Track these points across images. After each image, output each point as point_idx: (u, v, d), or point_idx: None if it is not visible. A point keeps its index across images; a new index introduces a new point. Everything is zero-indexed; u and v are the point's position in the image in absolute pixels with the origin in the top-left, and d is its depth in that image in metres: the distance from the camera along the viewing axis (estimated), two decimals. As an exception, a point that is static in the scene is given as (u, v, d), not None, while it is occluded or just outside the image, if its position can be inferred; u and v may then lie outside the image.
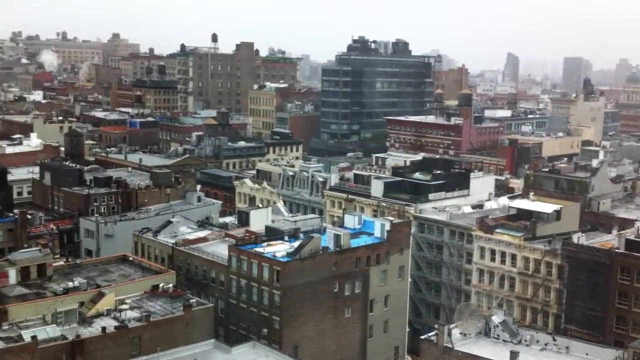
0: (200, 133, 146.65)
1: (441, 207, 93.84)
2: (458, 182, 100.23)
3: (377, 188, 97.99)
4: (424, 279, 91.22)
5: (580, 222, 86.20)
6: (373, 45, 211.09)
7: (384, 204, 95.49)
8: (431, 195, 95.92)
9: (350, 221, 77.56)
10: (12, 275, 63.15)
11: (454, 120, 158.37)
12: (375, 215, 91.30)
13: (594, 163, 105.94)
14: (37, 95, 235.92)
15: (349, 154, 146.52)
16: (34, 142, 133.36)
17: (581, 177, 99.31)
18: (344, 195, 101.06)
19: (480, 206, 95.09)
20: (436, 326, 64.59)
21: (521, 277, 78.69)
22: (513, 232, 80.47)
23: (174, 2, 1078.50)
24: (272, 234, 72.96)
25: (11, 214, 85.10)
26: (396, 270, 74.31)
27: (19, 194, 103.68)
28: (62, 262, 71.47)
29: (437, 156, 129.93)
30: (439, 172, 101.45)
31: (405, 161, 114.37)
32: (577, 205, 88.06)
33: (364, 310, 71.22)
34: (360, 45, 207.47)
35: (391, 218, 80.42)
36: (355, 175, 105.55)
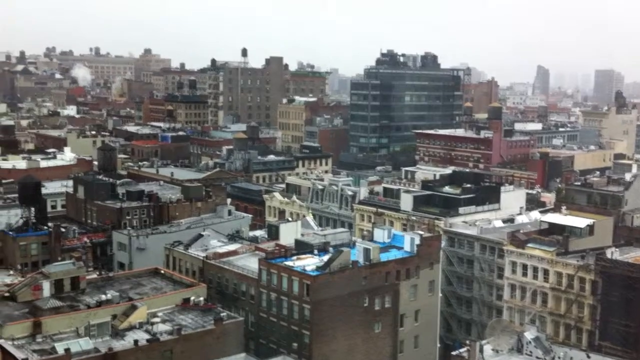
0: (231, 147, 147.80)
1: (471, 221, 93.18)
2: (488, 195, 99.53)
3: (406, 202, 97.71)
4: (454, 293, 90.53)
5: (613, 236, 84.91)
6: (402, 59, 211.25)
7: (413, 217, 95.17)
8: (461, 209, 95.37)
9: (380, 235, 77.41)
10: (46, 287, 63.96)
11: (483, 134, 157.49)
12: (404, 229, 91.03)
13: (627, 177, 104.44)
14: (71, 110, 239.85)
15: (378, 168, 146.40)
16: (67, 156, 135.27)
17: (614, 191, 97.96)
18: (374, 209, 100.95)
19: (511, 220, 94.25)
20: (468, 342, 64.00)
21: (554, 293, 77.65)
22: (545, 246, 79.53)
23: (205, 18, 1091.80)
24: (302, 247, 73.15)
25: (45, 227, 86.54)
26: (426, 284, 73.93)
27: (53, 207, 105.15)
28: (95, 275, 72.41)
29: (467, 170, 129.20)
30: (469, 185, 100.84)
31: (434, 175, 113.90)
32: (610, 220, 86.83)
33: (394, 325, 70.89)
34: (389, 59, 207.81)
35: (421, 232, 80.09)
36: (385, 188, 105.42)
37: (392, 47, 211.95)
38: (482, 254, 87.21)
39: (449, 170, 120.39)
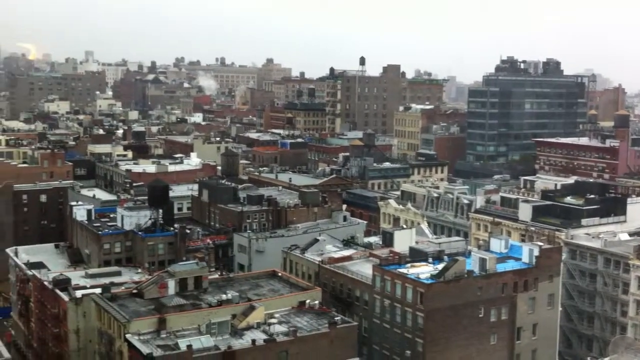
0: (347, 154, 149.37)
1: (595, 233, 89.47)
2: (614, 207, 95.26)
3: (525, 212, 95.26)
4: (575, 308, 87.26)
5: None
6: (522, 65, 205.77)
7: (532, 228, 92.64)
8: (584, 221, 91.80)
9: (497, 245, 76.00)
10: (171, 286, 67.22)
11: (609, 143, 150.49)
12: (522, 240, 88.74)
13: None
14: (197, 117, 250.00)
15: (496, 176, 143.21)
16: (193, 161, 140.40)
17: None
18: (490, 218, 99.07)
19: (638, 233, 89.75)
20: (588, 359, 61.75)
21: (684, 311, 73.39)
22: (675, 262, 75.34)
23: (325, 28, 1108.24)
24: (416, 255, 73.07)
25: (172, 229, 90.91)
26: (545, 297, 71.81)
27: (179, 209, 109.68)
28: (216, 275, 75.38)
29: (591, 180, 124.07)
30: (592, 196, 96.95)
31: (555, 184, 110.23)
32: None
33: (510, 338, 69.36)
34: (508, 66, 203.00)
35: (540, 243, 77.82)
36: (502, 198, 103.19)
37: (513, 54, 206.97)
38: (606, 267, 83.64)
39: (571, 180, 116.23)
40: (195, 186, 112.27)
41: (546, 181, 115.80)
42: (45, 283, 79.20)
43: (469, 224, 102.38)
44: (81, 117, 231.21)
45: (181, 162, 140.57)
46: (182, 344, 56.64)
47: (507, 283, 68.78)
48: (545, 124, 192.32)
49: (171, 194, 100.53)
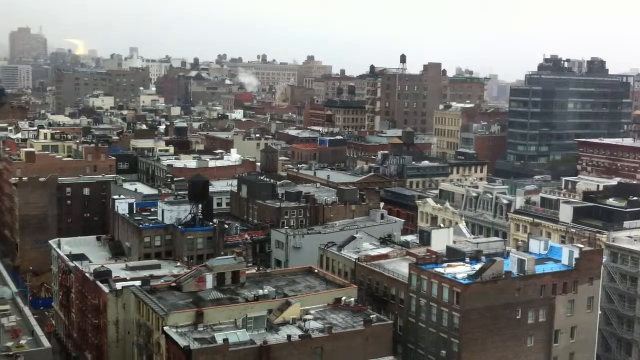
0: (386, 152, 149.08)
1: (637, 236, 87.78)
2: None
3: (566, 213, 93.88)
4: (615, 312, 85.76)
5: None
6: (566, 65, 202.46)
7: (573, 230, 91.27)
8: (627, 224, 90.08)
9: (536, 246, 75.12)
10: (210, 280, 68.01)
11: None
12: (563, 242, 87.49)
13: None
14: (238, 114, 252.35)
15: (537, 177, 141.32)
16: (233, 157, 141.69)
17: None
18: (530, 219, 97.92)
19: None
20: (627, 363, 60.74)
21: None
22: None
23: (365, 25, 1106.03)
24: (454, 255, 72.68)
25: (211, 224, 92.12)
26: (585, 301, 70.76)
27: (219, 205, 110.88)
28: (254, 271, 76.08)
29: (635, 182, 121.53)
30: (636, 198, 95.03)
31: (598, 186, 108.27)
32: None
33: (548, 341, 68.57)
34: (552, 65, 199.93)
35: (581, 245, 76.60)
36: (543, 199, 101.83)
37: (556, 53, 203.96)
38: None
39: (614, 181, 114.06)
40: (235, 182, 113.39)
41: (588, 182, 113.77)
42: (87, 275, 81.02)
43: (508, 225, 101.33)
44: (125, 112, 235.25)
45: (221, 158, 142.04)
46: (219, 338, 57.36)
47: (546, 285, 68.00)
48: (588, 124, 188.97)
49: (211, 189, 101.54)
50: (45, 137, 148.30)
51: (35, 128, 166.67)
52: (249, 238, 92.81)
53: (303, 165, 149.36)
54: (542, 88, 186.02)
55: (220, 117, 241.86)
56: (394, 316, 70.13)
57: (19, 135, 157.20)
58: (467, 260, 71.11)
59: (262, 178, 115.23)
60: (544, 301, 67.79)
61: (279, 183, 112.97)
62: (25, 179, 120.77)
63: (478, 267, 67.72)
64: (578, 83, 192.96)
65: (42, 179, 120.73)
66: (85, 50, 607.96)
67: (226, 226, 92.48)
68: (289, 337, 58.79)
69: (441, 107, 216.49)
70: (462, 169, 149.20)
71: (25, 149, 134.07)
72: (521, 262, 67.47)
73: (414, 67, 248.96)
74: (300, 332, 60.01)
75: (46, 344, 56.98)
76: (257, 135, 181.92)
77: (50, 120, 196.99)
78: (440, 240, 77.97)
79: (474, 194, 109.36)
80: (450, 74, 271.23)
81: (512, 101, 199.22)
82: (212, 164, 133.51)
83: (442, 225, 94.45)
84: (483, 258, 70.91)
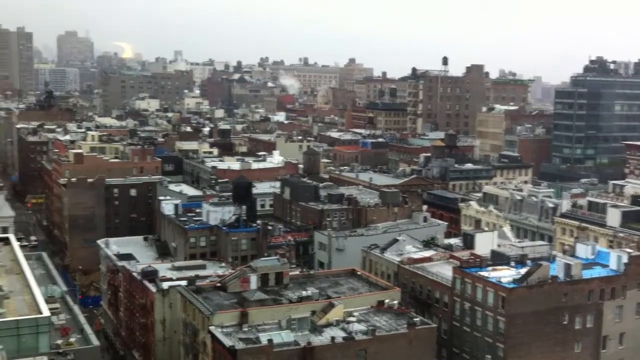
0: (428, 154, 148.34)
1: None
2: None
3: (613, 217, 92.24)
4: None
5: None
6: (612, 66, 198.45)
7: (621, 234, 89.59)
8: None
9: (583, 251, 74.09)
10: (253, 281, 68.51)
11: None
12: (610, 246, 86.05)
13: None
14: (280, 116, 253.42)
15: (583, 180, 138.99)
16: (276, 159, 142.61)
17: None
18: (576, 223, 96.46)
19: None
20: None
21: None
22: None
23: (407, 28, 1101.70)
24: (498, 258, 72.04)
25: (254, 225, 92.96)
26: (634, 306, 69.53)
27: (262, 206, 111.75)
28: (297, 272, 76.41)
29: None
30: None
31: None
32: None
33: (595, 347, 67.55)
34: (597, 66, 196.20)
35: (629, 250, 75.36)
36: (589, 202, 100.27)
37: (602, 54, 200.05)
38: (699, 278, 79.85)
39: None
40: (278, 184, 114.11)
41: (636, 186, 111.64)
42: (134, 274, 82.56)
43: (554, 228, 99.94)
44: (170, 114, 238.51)
45: (264, 160, 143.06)
46: (263, 338, 57.76)
47: (594, 290, 67.01)
48: (635, 127, 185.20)
49: (254, 191, 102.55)
50: (93, 139, 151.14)
51: (83, 130, 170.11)
52: (291, 239, 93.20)
53: (345, 167, 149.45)
54: (588, 90, 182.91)
55: (262, 119, 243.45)
56: (438, 319, 69.84)
57: (67, 137, 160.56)
58: (512, 264, 70.42)
59: (305, 180, 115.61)
60: (591, 306, 66.82)
61: (321, 185, 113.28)
62: (73, 179, 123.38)
63: (523, 271, 67.03)
64: (624, 85, 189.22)
65: (90, 180, 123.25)
66: (132, 53, 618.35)
67: (269, 227, 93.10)
68: (333, 338, 58.88)
69: (484, 109, 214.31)
70: (505, 171, 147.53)
71: (73, 151, 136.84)
72: (567, 267, 66.60)
73: (456, 69, 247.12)
74: (343, 334, 60.07)
75: (95, 341, 57.86)
76: (299, 137, 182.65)
77: (97, 122, 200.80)
78: (484, 244, 77.42)
79: (519, 197, 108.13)
80: (493, 75, 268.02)
81: (557, 103, 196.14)
82: (254, 165, 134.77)
83: (486, 229, 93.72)
84: (528, 262, 70.18)
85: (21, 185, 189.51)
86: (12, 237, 77.00)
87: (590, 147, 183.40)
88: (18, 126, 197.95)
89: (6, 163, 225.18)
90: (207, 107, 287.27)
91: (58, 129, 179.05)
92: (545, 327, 64.61)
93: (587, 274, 68.06)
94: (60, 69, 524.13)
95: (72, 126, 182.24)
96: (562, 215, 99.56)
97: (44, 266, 75.49)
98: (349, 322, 62.08)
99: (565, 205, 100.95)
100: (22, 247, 74.71)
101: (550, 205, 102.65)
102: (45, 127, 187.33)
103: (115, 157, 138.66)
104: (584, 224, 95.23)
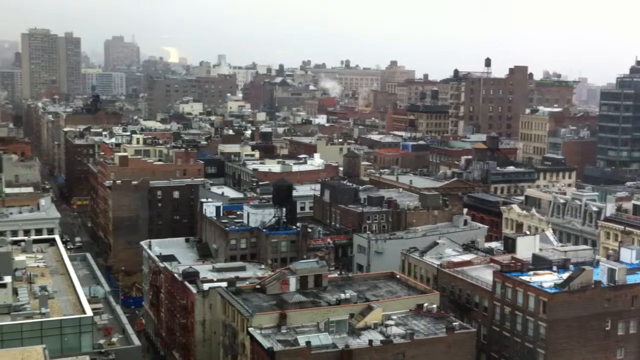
0: (469, 157, 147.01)
1: None
2: None
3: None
4: None
5: None
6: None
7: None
8: None
9: (627, 255, 72.57)
10: (293, 283, 68.97)
11: None
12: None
13: None
14: (321, 119, 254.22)
15: (628, 183, 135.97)
16: (316, 162, 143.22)
17: None
18: (621, 227, 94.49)
19: None
20: None
21: None
22: None
23: (450, 30, 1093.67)
24: (540, 263, 71.10)
25: (294, 227, 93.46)
26: (679, 313, 67.83)
27: (302, 208, 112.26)
28: (335, 275, 76.73)
29: None
30: None
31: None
32: None
33: (638, 353, 66.10)
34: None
35: (676, 255, 73.58)
36: (635, 206, 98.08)
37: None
38: None
39: None
40: (318, 186, 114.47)
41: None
42: (176, 275, 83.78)
43: (598, 233, 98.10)
44: (213, 118, 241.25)
45: (305, 163, 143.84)
46: (302, 340, 58.04)
47: (638, 296, 65.67)
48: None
49: (294, 193, 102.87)
50: (138, 142, 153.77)
51: (128, 133, 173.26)
52: (331, 242, 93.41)
53: (385, 169, 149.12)
54: (634, 91, 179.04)
55: (303, 122, 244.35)
56: (477, 324, 69.26)
57: (113, 140, 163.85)
58: (554, 268, 69.49)
59: (345, 182, 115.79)
60: (635, 312, 65.50)
61: (361, 188, 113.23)
62: (118, 181, 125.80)
63: (565, 275, 66.06)
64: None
65: (134, 182, 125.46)
66: (177, 57, 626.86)
67: (309, 230, 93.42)
68: (371, 341, 58.84)
69: (527, 111, 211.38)
70: (549, 174, 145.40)
71: (119, 153, 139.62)
72: (611, 272, 65.39)
73: (499, 70, 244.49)
74: (381, 337, 59.97)
75: (136, 341, 58.77)
76: (340, 140, 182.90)
77: (142, 126, 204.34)
78: (526, 248, 76.38)
79: (562, 201, 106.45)
80: (537, 77, 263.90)
81: (602, 105, 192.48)
82: (295, 168, 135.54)
83: (528, 232, 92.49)
84: (571, 266, 69.13)
85: (67, 187, 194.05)
86: (57, 238, 79.00)
87: (636, 150, 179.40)
88: (65, 130, 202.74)
89: (53, 166, 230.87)
90: (249, 110, 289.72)
91: (104, 132, 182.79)
92: (587, 332, 63.58)
93: (631, 279, 66.70)
94: (107, 74, 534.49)
95: (117, 129, 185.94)
96: (607, 219, 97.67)
97: (88, 267, 77.15)
98: (387, 326, 61.90)
99: (610, 208, 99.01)
100: (67, 248, 76.44)
101: (594, 208, 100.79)
102: (92, 130, 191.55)
103: (159, 160, 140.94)
104: (628, 228, 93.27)
